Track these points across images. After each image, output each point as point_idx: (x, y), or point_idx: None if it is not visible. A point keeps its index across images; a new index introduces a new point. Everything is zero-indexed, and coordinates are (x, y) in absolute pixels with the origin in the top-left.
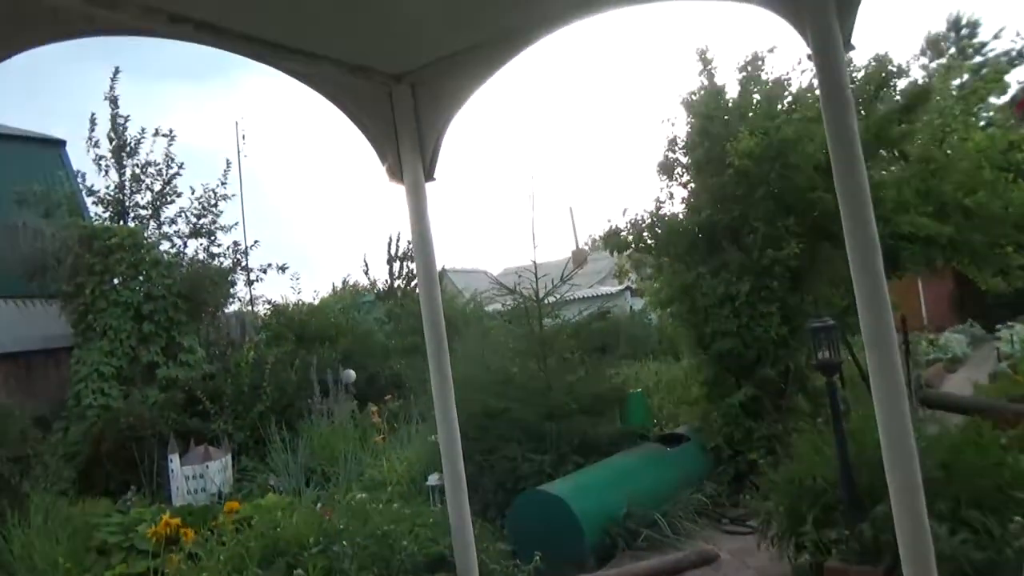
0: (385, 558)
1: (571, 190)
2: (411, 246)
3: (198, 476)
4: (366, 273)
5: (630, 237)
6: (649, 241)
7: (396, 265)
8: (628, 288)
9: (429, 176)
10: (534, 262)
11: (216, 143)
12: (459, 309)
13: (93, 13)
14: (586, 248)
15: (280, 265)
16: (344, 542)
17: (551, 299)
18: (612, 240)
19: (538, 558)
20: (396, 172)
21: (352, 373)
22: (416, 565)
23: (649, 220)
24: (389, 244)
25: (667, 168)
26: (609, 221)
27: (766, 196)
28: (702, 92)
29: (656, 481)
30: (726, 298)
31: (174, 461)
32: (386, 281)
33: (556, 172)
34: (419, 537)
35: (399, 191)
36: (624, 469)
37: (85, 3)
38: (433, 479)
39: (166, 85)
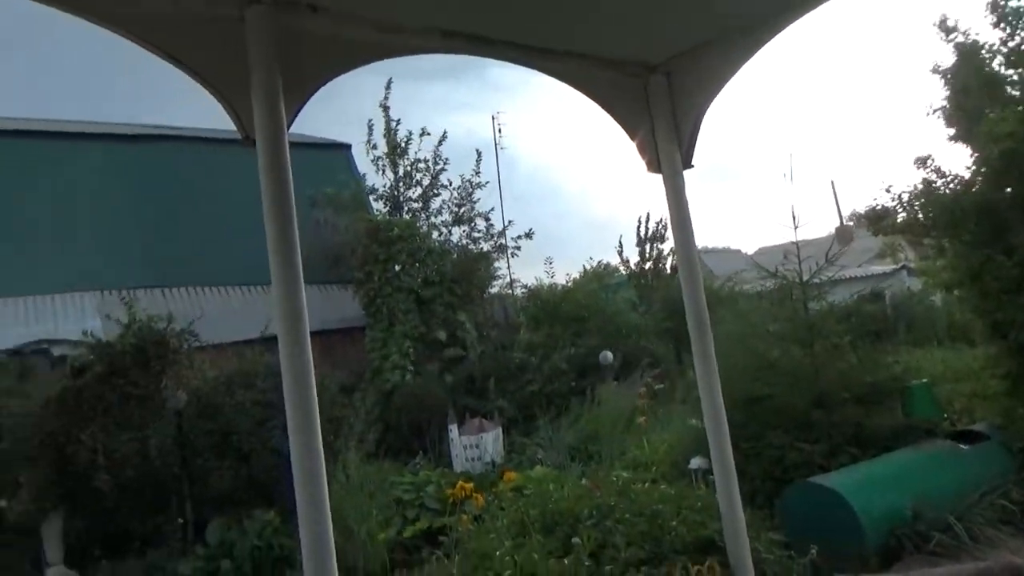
0: (655, 536)
1: (832, 164)
2: (662, 227)
3: (474, 446)
4: (619, 254)
5: (899, 217)
6: (922, 220)
7: (647, 247)
8: (904, 267)
9: (687, 164)
10: (795, 243)
11: (473, 132)
12: (713, 291)
13: (380, 40)
14: (851, 225)
15: (527, 232)
16: (615, 518)
17: (816, 280)
18: (878, 220)
19: (814, 551)
20: (654, 163)
21: (610, 355)
22: (685, 546)
23: (920, 196)
24: (639, 225)
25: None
26: (875, 200)
27: None
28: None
29: (948, 482)
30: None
31: (453, 431)
32: (637, 263)
33: (815, 145)
34: (687, 519)
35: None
36: (909, 466)
37: (375, 31)
38: (696, 462)
39: (430, 85)
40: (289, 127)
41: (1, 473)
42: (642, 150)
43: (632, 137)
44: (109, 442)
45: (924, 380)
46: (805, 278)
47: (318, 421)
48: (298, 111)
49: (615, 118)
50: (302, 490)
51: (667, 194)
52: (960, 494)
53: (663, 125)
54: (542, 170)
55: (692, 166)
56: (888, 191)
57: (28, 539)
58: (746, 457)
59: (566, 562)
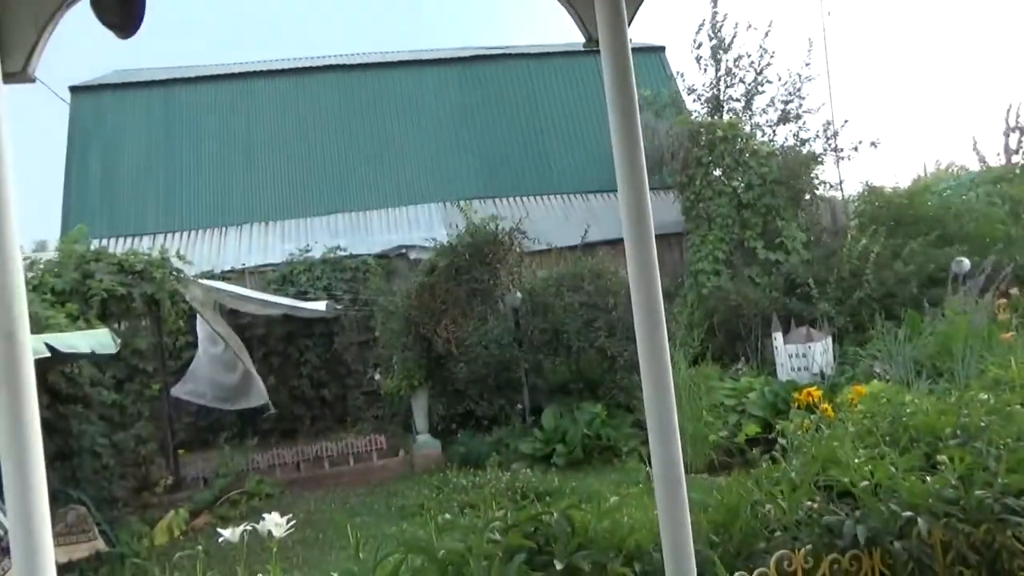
0: None
1: None
2: None
3: (800, 355)
4: (975, 149)
5: None
6: None
7: (1015, 137)
8: None
9: None
10: None
11: (804, 25)
12: None
13: None
14: None
15: (872, 141)
16: (988, 439)
17: None
18: None
19: None
20: None
21: (966, 262)
22: None
23: None
24: (1008, 113)
25: None
26: None
27: None
28: None
29: None
30: None
31: (778, 339)
32: (1000, 156)
33: None
34: None
35: None
36: None
37: None
38: None
39: None
40: (629, 26)
41: (380, 353)
42: None
43: None
44: (460, 332)
45: None
46: None
47: (664, 321)
48: (636, 10)
49: None
50: (651, 385)
51: None
52: None
53: None
54: (885, 56)
55: None
56: None
57: (403, 412)
58: None
59: (928, 481)
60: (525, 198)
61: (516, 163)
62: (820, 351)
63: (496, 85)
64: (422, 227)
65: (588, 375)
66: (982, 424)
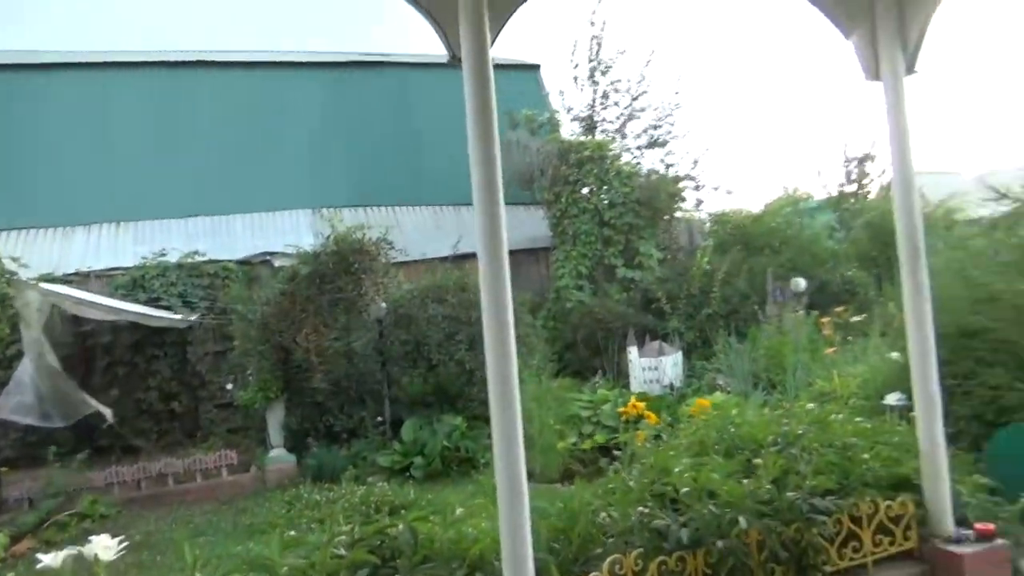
0: (844, 469)
1: None
2: (873, 148)
3: (653, 368)
4: (819, 176)
5: None
6: None
7: (852, 167)
8: None
9: (910, 69)
10: None
11: (684, 53)
12: (926, 215)
13: None
14: None
15: (728, 189)
16: (802, 446)
17: None
18: None
19: None
20: (872, 68)
21: (802, 282)
22: (877, 480)
23: None
24: (845, 146)
25: None
26: None
27: None
28: None
29: None
30: None
31: (633, 353)
32: (840, 185)
33: None
34: (880, 454)
35: (871, 88)
36: None
37: None
38: (892, 398)
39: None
40: (492, 45)
41: (236, 363)
42: (859, 52)
43: (847, 35)
44: (320, 342)
45: None
46: None
47: (513, 334)
48: (500, 30)
49: (827, 14)
50: (496, 397)
51: (887, 102)
52: None
53: (886, 26)
54: (748, 88)
55: (916, 72)
56: None
57: (257, 425)
58: (951, 395)
59: (746, 483)
60: (397, 208)
61: (389, 172)
62: (671, 364)
63: (370, 92)
64: (289, 234)
65: (448, 388)
66: (800, 432)
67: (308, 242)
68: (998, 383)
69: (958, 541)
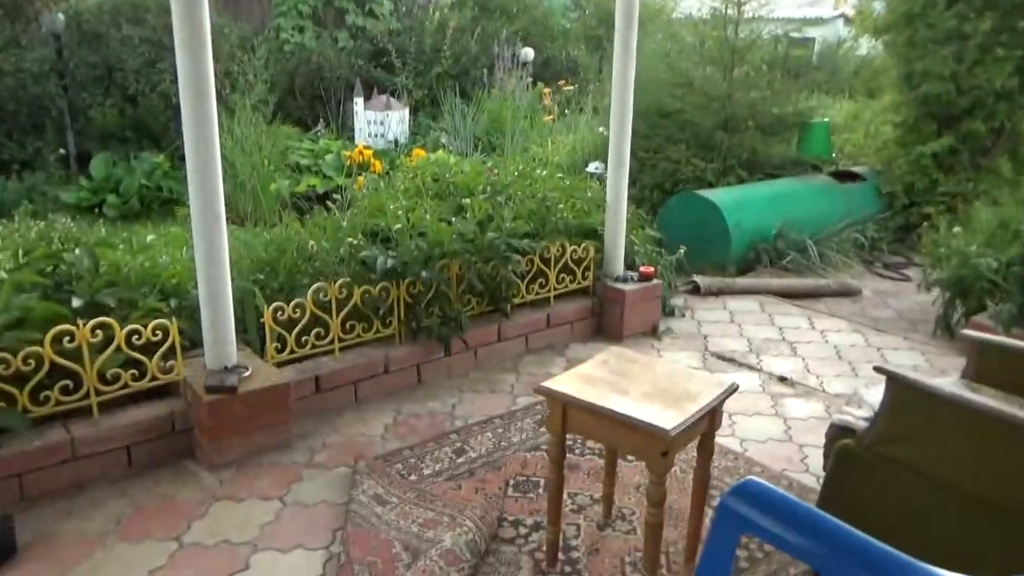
0: (542, 217)
1: None
2: None
3: (378, 122)
4: None
5: None
6: None
7: None
8: (843, 15)
9: None
10: None
11: None
12: (646, 4)
13: None
14: None
15: None
16: (508, 195)
17: (751, 9)
18: None
19: (682, 251)
20: None
21: (530, 51)
22: (568, 228)
23: None
24: None
25: None
26: None
27: None
28: None
29: (817, 212)
30: (955, 35)
31: (359, 104)
32: None
33: None
34: (574, 207)
35: None
36: (786, 192)
37: None
38: (594, 166)
39: None
40: None
41: None
42: None
43: None
44: None
45: (825, 119)
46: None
47: (211, 69)
48: None
49: None
50: (192, 134)
51: None
52: (824, 224)
53: None
54: None
55: None
56: None
57: None
58: (642, 166)
59: (454, 222)
60: None
61: None
62: (397, 120)
63: None
64: None
65: (149, 123)
66: (507, 183)
67: None
68: (679, 158)
69: (624, 280)
